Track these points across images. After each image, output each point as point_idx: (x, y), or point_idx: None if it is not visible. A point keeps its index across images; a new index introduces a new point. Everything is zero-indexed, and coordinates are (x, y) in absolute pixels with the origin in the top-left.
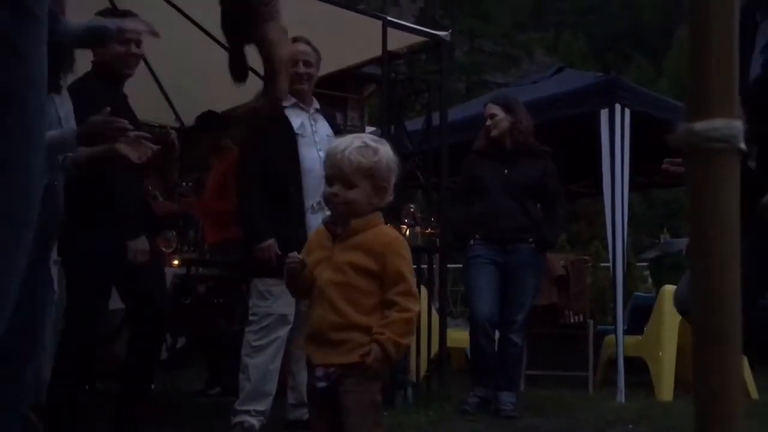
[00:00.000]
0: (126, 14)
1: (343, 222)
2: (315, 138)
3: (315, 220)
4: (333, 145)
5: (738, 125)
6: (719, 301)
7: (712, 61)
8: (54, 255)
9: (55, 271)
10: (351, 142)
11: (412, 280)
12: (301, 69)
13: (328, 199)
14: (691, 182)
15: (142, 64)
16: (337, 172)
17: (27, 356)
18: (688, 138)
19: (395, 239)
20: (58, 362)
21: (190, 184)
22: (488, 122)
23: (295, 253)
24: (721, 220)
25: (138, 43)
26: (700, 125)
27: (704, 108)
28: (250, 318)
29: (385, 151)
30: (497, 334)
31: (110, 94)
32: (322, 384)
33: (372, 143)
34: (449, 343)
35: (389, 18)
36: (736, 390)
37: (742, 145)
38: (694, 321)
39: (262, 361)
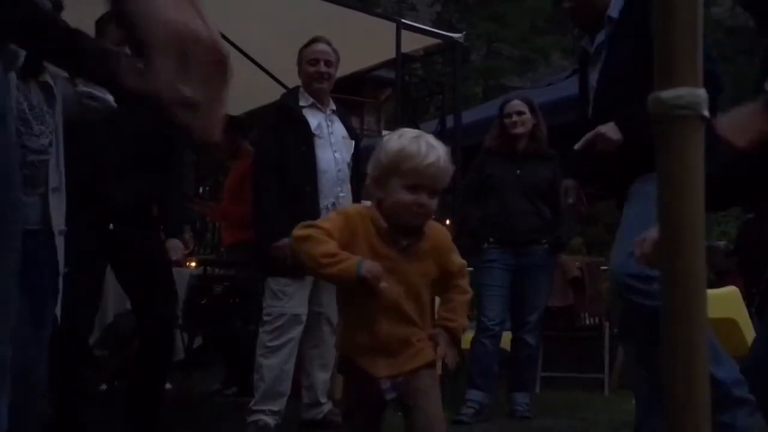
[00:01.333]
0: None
1: (415, 234)
2: (331, 139)
3: None
4: (423, 152)
5: (702, 93)
6: (686, 263)
7: (677, 31)
8: (61, 224)
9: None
10: (435, 145)
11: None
12: (323, 68)
13: (414, 211)
14: (659, 149)
15: None
16: (437, 183)
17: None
18: (654, 106)
19: (443, 233)
20: (54, 365)
21: (208, 188)
22: (514, 118)
23: (377, 265)
24: (688, 185)
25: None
26: (665, 93)
27: (670, 77)
28: (264, 318)
29: (436, 154)
30: (509, 335)
31: None
32: (391, 395)
33: (424, 149)
34: (462, 345)
35: (403, 20)
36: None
37: (706, 113)
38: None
39: (276, 361)
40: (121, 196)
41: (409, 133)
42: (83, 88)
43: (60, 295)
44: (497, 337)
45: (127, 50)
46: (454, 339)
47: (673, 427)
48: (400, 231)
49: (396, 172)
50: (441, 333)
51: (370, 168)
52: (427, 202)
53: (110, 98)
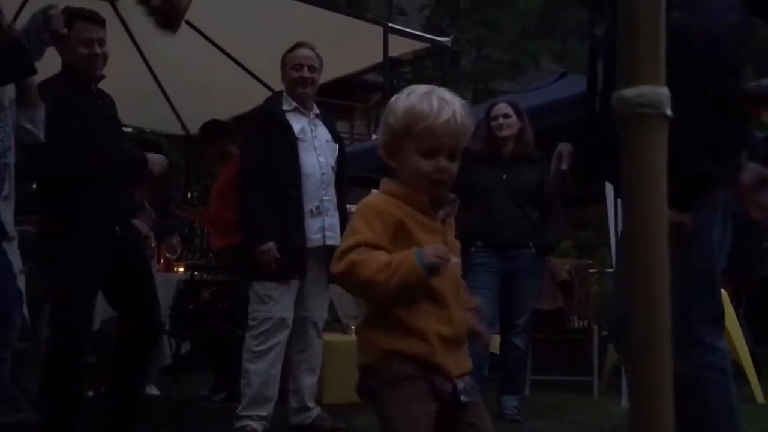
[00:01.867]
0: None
1: (446, 201)
2: (315, 143)
3: (313, 224)
4: (435, 109)
5: (663, 91)
6: (649, 259)
7: (640, 31)
8: (19, 264)
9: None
10: (449, 100)
11: None
12: (306, 73)
13: (434, 179)
14: (623, 146)
15: (148, 75)
16: (456, 142)
17: None
18: (618, 104)
19: None
20: (49, 370)
21: (196, 193)
22: (500, 121)
23: (436, 245)
24: (650, 181)
25: (101, 42)
26: (628, 92)
27: (632, 76)
28: (250, 323)
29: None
30: (498, 338)
31: (75, 95)
32: (465, 398)
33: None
34: None
35: (391, 24)
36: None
37: (668, 111)
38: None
39: (263, 366)
40: (125, 200)
41: (419, 89)
42: (25, 123)
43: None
44: None
45: None
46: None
47: (639, 418)
48: (434, 201)
49: (409, 136)
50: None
51: (380, 134)
52: (447, 167)
53: (42, 135)
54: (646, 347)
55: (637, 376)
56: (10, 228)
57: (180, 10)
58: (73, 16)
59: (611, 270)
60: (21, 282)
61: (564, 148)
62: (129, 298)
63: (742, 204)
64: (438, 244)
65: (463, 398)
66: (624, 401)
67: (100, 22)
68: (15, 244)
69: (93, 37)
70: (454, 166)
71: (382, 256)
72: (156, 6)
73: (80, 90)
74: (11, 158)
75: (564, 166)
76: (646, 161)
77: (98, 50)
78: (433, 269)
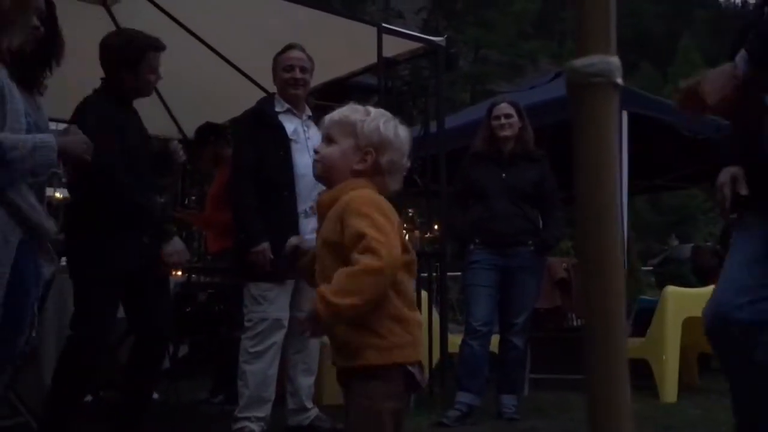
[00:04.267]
0: None
1: (324, 184)
2: (308, 144)
3: (307, 225)
4: None
5: (614, 60)
6: (600, 229)
7: (589, 3)
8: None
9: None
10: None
11: (374, 235)
12: (298, 75)
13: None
14: (574, 116)
15: None
16: (323, 131)
17: None
18: (569, 75)
19: (356, 197)
20: (60, 370)
21: (193, 197)
22: (502, 120)
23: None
24: (601, 151)
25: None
26: (578, 62)
27: (583, 46)
28: (246, 324)
29: (382, 117)
30: (497, 338)
31: (116, 113)
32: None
33: (370, 109)
34: (451, 349)
35: (384, 25)
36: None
37: (619, 80)
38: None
39: (259, 367)
40: (156, 207)
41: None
42: None
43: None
44: (485, 338)
45: None
46: (317, 306)
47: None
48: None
49: None
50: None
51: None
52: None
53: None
54: (600, 325)
55: (591, 365)
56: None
57: None
58: (148, 46)
59: None
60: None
61: (736, 172)
62: (142, 309)
63: None
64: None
65: (423, 385)
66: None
67: (163, 49)
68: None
69: (159, 65)
70: (326, 150)
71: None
72: None
73: (121, 106)
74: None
75: (744, 191)
76: (597, 130)
77: (157, 77)
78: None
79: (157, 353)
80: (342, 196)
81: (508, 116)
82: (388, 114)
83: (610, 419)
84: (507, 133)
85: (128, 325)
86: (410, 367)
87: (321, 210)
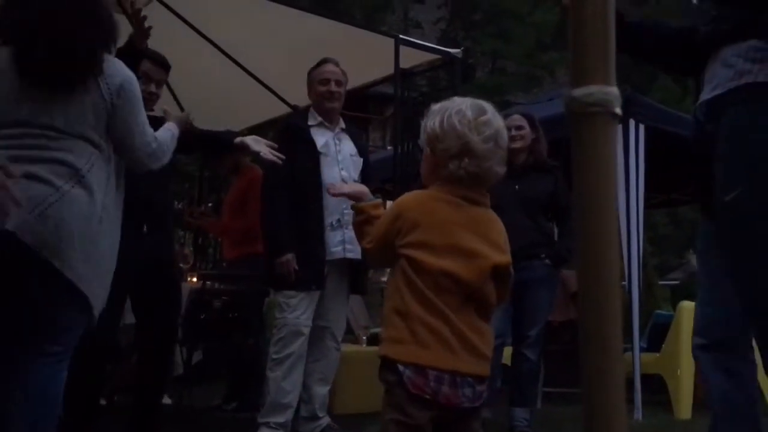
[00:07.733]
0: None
1: None
2: (338, 157)
3: (334, 237)
4: None
5: (612, 91)
6: (599, 254)
7: (588, 31)
8: None
9: None
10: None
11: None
12: (333, 88)
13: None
14: (574, 145)
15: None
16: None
17: None
18: (568, 103)
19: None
20: (70, 370)
21: (210, 204)
22: (513, 132)
23: None
24: (601, 179)
25: (159, 84)
26: (577, 91)
27: (582, 76)
28: (274, 330)
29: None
30: (510, 350)
31: None
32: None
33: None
34: None
35: (402, 36)
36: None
37: (618, 110)
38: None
39: (279, 373)
40: (158, 197)
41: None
42: None
43: None
44: (498, 350)
45: None
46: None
47: (591, 416)
48: None
49: None
50: None
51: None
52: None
53: None
54: (599, 339)
55: (587, 370)
56: None
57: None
58: (143, 55)
59: (624, 283)
60: None
61: None
62: (149, 303)
63: None
64: None
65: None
66: (637, 414)
67: (165, 66)
68: None
69: (153, 77)
70: None
71: None
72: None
73: None
74: None
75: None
76: (597, 159)
77: (153, 89)
78: None
79: (165, 352)
80: None
81: (519, 128)
82: (436, 108)
83: None
84: (518, 145)
85: (135, 324)
86: (401, 366)
87: None
